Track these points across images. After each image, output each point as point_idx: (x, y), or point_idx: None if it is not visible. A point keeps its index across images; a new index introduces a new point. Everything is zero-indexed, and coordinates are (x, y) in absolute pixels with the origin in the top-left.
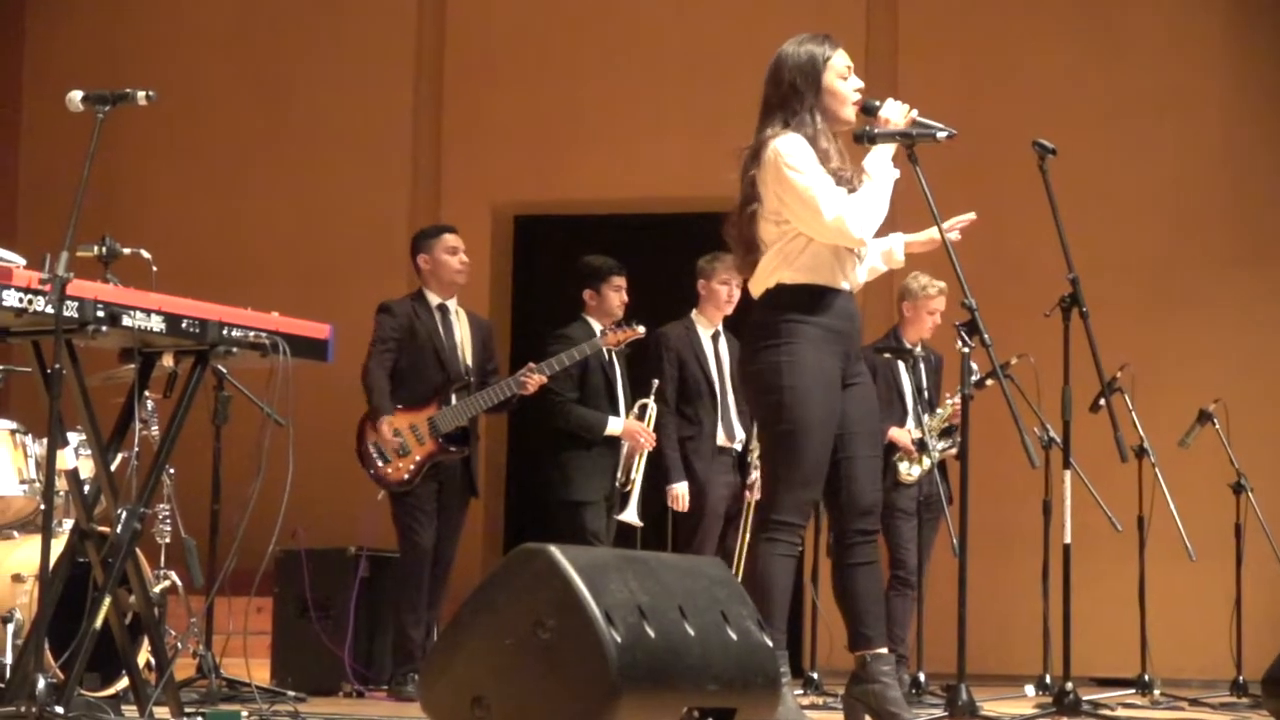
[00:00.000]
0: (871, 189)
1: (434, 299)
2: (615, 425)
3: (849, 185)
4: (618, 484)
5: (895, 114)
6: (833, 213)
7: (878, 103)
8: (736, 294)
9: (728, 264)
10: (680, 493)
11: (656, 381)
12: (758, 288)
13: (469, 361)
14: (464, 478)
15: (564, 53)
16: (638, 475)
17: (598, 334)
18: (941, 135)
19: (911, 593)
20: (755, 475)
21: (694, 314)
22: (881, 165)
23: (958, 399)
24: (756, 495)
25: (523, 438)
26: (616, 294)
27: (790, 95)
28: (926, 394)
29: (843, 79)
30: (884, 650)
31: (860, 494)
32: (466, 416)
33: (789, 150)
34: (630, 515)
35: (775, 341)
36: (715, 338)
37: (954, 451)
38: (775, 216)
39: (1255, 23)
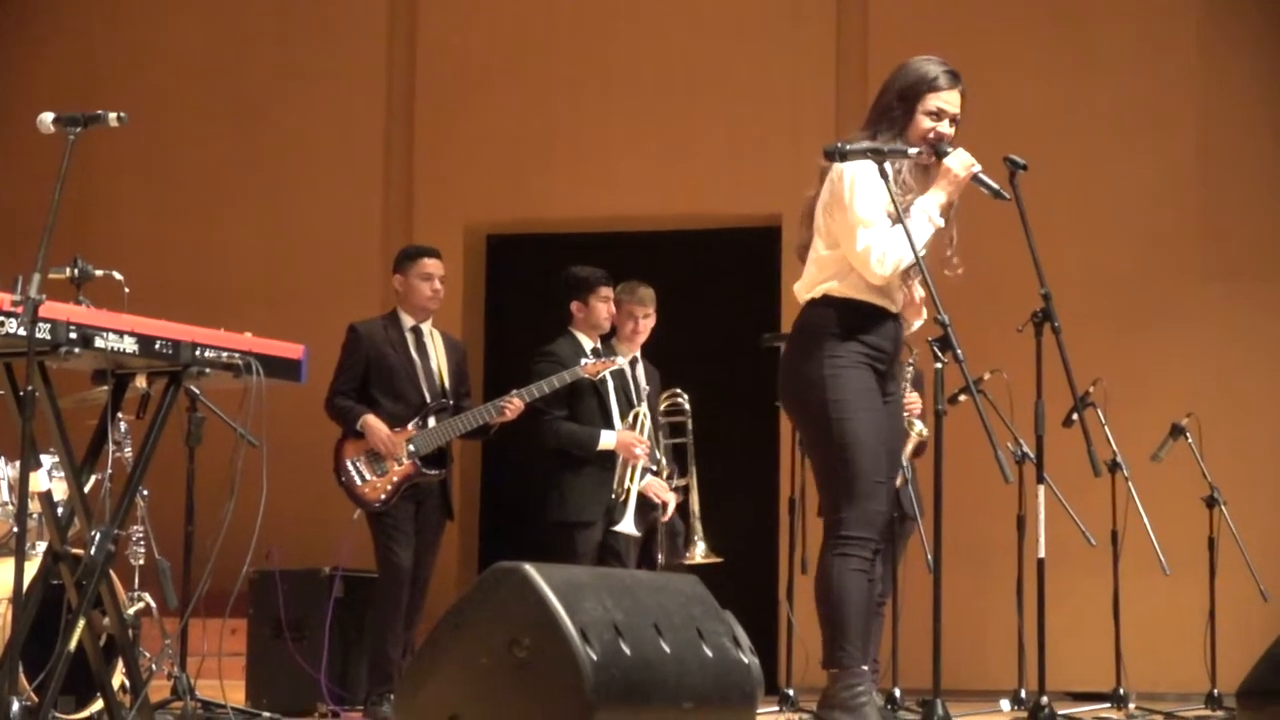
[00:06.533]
0: (904, 230)
1: (407, 320)
2: (608, 439)
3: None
4: (613, 495)
5: (956, 164)
6: (863, 243)
7: (949, 149)
8: (644, 326)
9: (633, 292)
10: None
11: (647, 386)
12: (803, 293)
13: (446, 384)
14: (441, 499)
15: (535, 73)
16: (633, 485)
17: (586, 350)
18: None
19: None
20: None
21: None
22: (924, 210)
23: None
24: (665, 516)
25: (499, 456)
26: (605, 305)
27: (885, 110)
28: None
29: (930, 115)
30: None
31: None
32: (444, 439)
33: (857, 177)
34: (627, 526)
35: (816, 355)
36: (634, 363)
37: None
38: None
39: (1227, 37)
